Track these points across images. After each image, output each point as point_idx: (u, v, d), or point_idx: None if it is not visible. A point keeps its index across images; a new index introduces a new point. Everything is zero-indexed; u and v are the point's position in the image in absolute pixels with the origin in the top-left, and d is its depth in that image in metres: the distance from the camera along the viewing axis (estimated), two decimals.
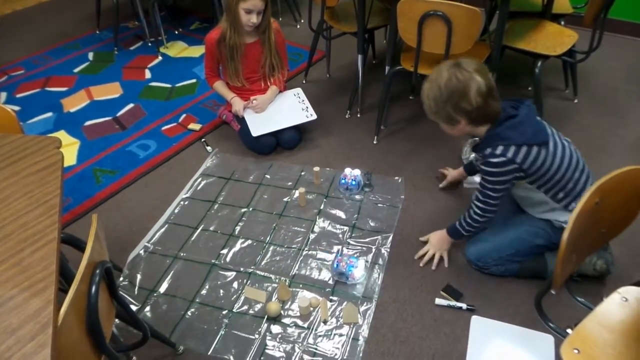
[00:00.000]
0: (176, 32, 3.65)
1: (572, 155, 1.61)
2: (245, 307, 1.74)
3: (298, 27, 3.68)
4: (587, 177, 1.64)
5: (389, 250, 1.92)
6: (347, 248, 1.93)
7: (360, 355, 1.57)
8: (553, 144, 1.56)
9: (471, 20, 1.92)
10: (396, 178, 2.25)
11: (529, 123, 1.54)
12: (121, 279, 1.85)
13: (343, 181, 2.19)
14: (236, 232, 2.03)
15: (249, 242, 1.99)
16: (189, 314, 1.72)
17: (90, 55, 3.40)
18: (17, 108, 2.86)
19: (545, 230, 1.70)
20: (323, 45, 2.98)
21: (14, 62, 3.35)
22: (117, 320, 1.52)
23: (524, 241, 1.70)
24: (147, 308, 1.75)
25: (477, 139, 1.67)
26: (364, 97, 2.74)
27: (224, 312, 1.72)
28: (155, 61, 3.30)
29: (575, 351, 1.04)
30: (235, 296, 1.78)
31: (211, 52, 2.40)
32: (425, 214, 2.08)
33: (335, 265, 1.80)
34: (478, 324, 1.64)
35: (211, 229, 2.05)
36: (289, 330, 1.66)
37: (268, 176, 2.31)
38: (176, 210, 2.15)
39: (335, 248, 1.93)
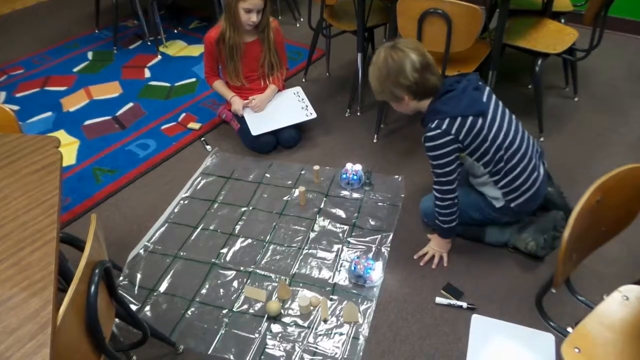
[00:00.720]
0: (175, 31, 3.64)
1: (518, 132, 1.67)
2: (246, 307, 1.74)
3: (297, 25, 3.68)
4: (528, 161, 1.68)
5: (389, 249, 1.91)
6: (348, 247, 1.93)
7: (361, 354, 1.57)
8: (492, 116, 1.62)
9: (471, 18, 1.91)
10: (396, 177, 2.25)
11: (464, 96, 1.60)
12: (121, 278, 1.84)
13: (344, 176, 2.19)
14: (236, 231, 2.03)
15: (249, 241, 1.98)
16: (189, 313, 1.72)
17: (90, 55, 3.40)
18: (16, 107, 2.86)
19: (479, 204, 1.79)
20: (323, 44, 2.98)
21: (14, 62, 3.35)
22: (117, 319, 1.51)
23: (462, 211, 1.76)
24: (147, 307, 1.75)
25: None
26: (363, 96, 2.74)
27: (224, 312, 1.72)
28: (155, 60, 3.30)
29: (576, 350, 1.03)
30: (235, 295, 1.78)
31: (210, 51, 2.40)
32: None
33: (352, 268, 1.77)
34: (478, 322, 1.63)
35: (211, 228, 2.05)
36: (289, 329, 1.66)
37: (268, 175, 2.31)
38: (176, 210, 2.15)
39: (336, 247, 1.93)
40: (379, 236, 1.96)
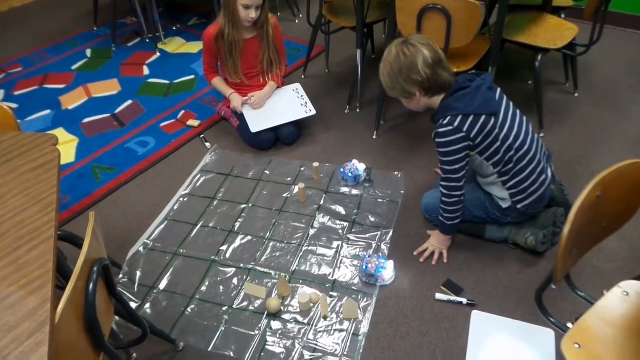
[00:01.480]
0: (174, 28, 3.63)
1: (528, 135, 1.66)
2: (245, 304, 1.74)
3: (297, 22, 3.67)
4: (537, 163, 1.68)
5: (389, 245, 1.91)
6: (348, 244, 1.93)
7: (361, 350, 1.57)
8: (503, 117, 1.61)
9: (471, 13, 1.91)
10: (396, 173, 2.25)
11: (478, 94, 1.59)
12: (121, 276, 1.84)
13: (342, 170, 2.19)
14: (236, 228, 2.03)
15: (249, 238, 1.98)
16: (189, 310, 1.72)
17: (88, 52, 3.39)
18: (15, 105, 2.85)
19: (484, 204, 1.79)
20: (322, 40, 2.97)
21: (12, 60, 3.34)
22: (116, 317, 1.51)
23: (465, 209, 1.76)
24: (147, 305, 1.74)
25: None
26: (363, 92, 2.73)
27: (224, 309, 1.72)
28: (154, 57, 3.29)
29: (576, 346, 1.03)
30: (235, 292, 1.77)
31: (209, 48, 2.39)
32: None
33: (364, 267, 1.77)
34: (478, 318, 1.63)
35: (211, 225, 2.05)
36: (289, 326, 1.66)
37: (267, 172, 2.30)
38: (175, 207, 2.14)
39: (335, 244, 1.93)
40: (379, 233, 1.96)
